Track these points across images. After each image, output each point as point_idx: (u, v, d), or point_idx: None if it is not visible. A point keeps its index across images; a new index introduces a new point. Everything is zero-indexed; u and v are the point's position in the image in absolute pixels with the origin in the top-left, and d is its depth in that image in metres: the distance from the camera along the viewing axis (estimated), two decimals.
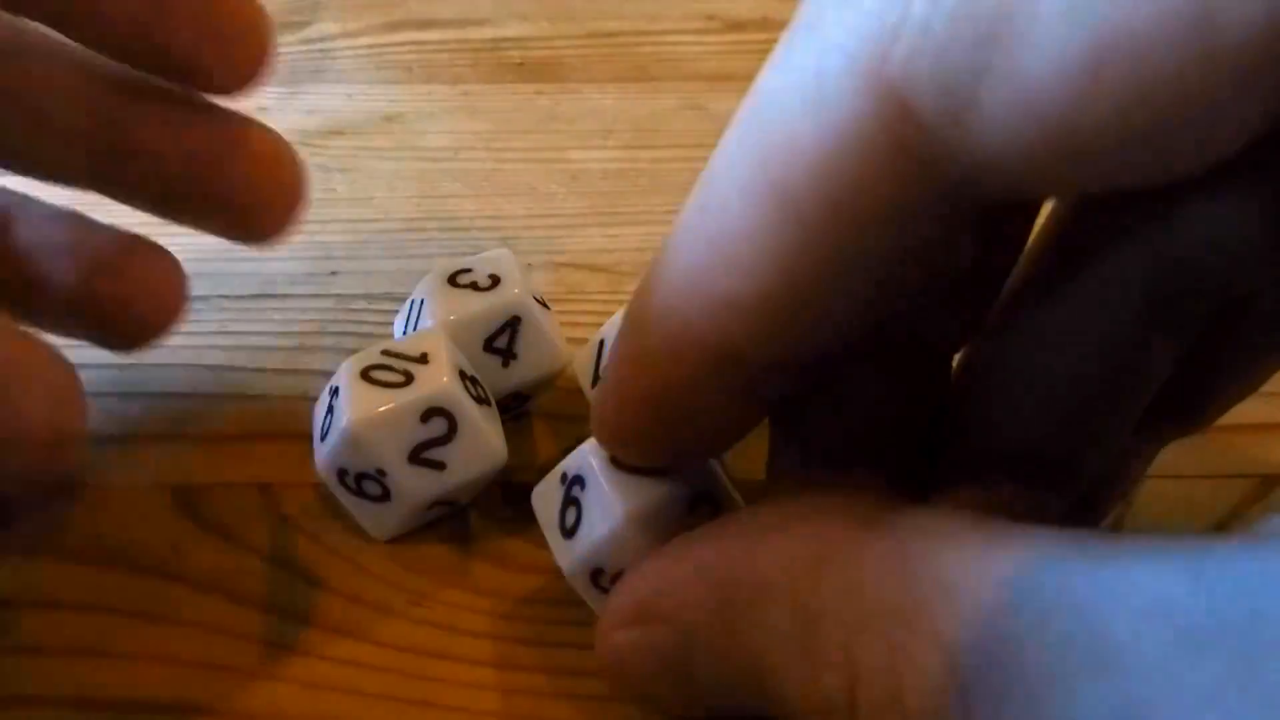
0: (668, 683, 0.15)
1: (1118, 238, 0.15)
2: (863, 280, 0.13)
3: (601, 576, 0.17)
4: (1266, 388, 0.23)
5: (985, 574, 0.12)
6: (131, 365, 0.24)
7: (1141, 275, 0.15)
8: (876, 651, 0.13)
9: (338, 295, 0.25)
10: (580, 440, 0.18)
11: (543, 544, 0.18)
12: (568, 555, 0.17)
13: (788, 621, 0.14)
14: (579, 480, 0.17)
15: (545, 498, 0.18)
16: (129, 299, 0.20)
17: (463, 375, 0.19)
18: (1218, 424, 0.22)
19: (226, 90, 0.19)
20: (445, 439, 0.18)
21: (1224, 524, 0.20)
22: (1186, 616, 0.10)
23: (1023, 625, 0.11)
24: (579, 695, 0.18)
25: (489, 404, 0.19)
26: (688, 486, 0.17)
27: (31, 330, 0.16)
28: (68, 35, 0.19)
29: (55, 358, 0.15)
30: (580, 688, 0.18)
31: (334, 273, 0.26)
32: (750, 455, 0.21)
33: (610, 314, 0.21)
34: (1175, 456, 0.21)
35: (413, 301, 0.21)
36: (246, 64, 0.19)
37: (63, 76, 0.19)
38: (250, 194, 0.19)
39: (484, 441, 0.18)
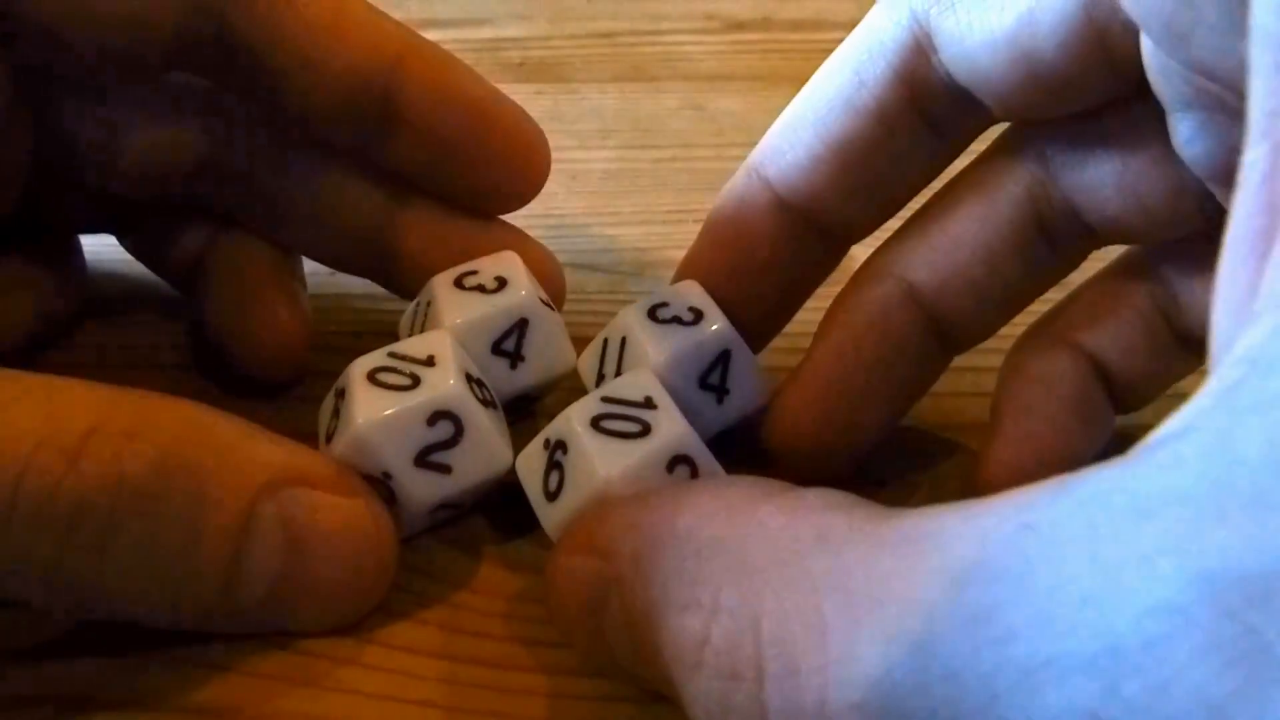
0: (586, 618, 0.16)
1: (1012, 177, 0.20)
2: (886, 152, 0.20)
3: None
4: None
5: (863, 524, 0.13)
6: (132, 368, 0.24)
7: (1028, 200, 0.20)
8: (742, 592, 0.13)
9: (338, 295, 0.25)
10: None
11: (543, 544, 0.18)
12: (551, 518, 0.18)
13: (674, 569, 0.14)
14: (561, 445, 0.18)
15: (529, 464, 0.18)
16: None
17: (469, 378, 0.19)
18: None
19: (502, 212, 0.23)
20: (451, 442, 0.18)
21: None
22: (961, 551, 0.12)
23: (892, 560, 0.13)
24: (579, 695, 0.18)
25: (495, 407, 0.19)
26: (665, 449, 0.17)
27: (369, 494, 0.18)
28: (371, 161, 0.22)
29: (383, 526, 0.18)
30: (580, 688, 0.18)
31: (334, 273, 0.26)
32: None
33: (611, 314, 0.21)
34: None
35: (419, 303, 0.21)
36: (526, 195, 0.22)
37: (352, 188, 0.23)
38: None
39: (490, 445, 0.18)
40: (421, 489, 0.18)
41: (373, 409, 0.18)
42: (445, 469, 0.18)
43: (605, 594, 0.16)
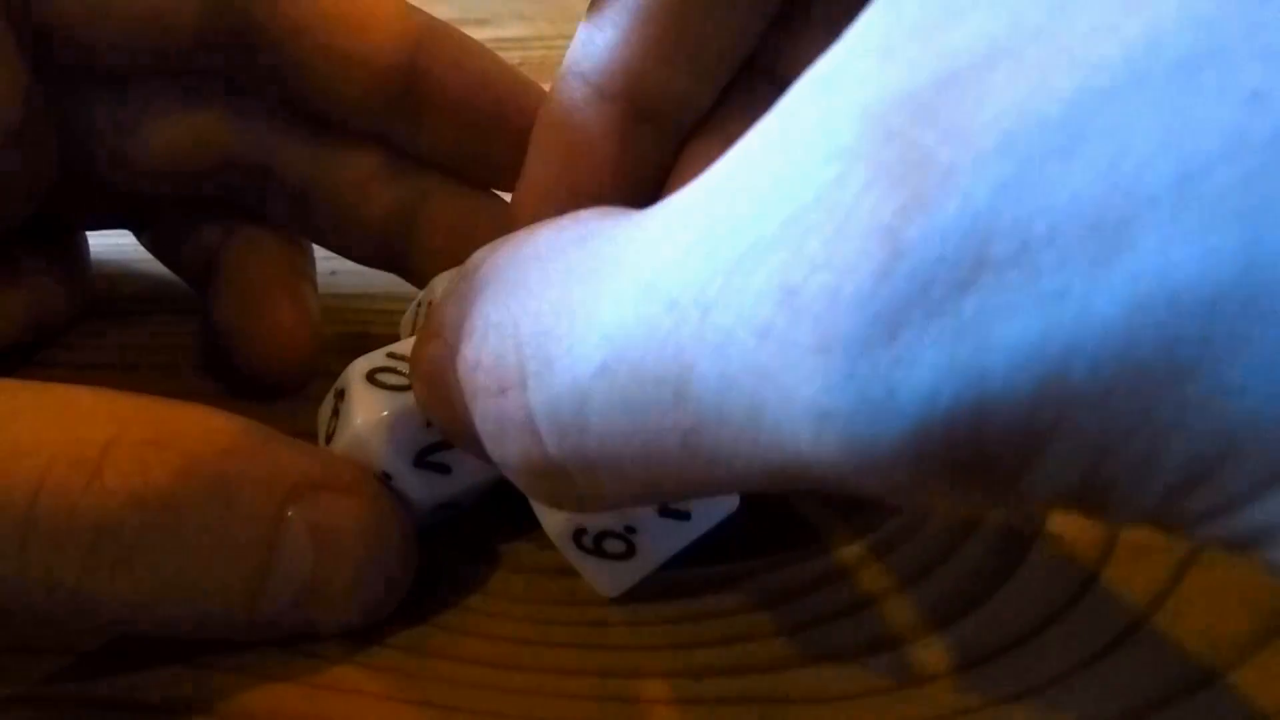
0: (442, 404, 0.15)
1: None
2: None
3: (584, 536, 0.18)
4: None
5: (621, 218, 0.13)
6: (134, 367, 0.24)
7: None
8: (506, 304, 0.13)
9: (338, 295, 0.25)
10: None
11: (543, 544, 0.18)
12: (551, 517, 0.18)
13: (464, 312, 0.14)
14: None
15: None
16: None
17: None
18: None
19: (508, 187, 0.22)
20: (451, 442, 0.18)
21: None
22: None
23: (633, 230, 0.13)
24: (579, 695, 0.18)
25: None
26: None
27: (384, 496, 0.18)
28: (394, 150, 0.22)
29: (404, 525, 0.18)
30: (580, 688, 0.18)
31: (334, 273, 0.26)
32: None
33: None
34: None
35: (419, 303, 0.21)
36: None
37: (376, 180, 0.23)
38: None
39: None
40: (421, 489, 0.18)
41: (372, 410, 0.18)
42: (445, 469, 0.18)
43: (445, 371, 0.15)
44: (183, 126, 0.22)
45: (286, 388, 0.23)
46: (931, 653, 0.18)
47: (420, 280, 0.23)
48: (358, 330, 0.25)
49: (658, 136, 0.20)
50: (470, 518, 0.20)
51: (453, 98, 0.21)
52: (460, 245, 0.22)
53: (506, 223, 0.21)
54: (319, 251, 0.25)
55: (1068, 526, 0.20)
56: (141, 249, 0.26)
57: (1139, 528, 0.10)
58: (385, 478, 0.18)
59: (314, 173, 0.23)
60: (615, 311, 0.12)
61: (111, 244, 0.26)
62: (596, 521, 0.17)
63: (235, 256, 0.23)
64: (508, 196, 0.23)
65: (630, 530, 0.17)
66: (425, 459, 0.18)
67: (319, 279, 0.25)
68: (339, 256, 0.25)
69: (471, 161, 0.22)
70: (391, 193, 0.23)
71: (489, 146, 0.22)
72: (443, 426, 0.16)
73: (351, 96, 0.21)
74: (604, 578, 0.18)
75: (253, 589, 0.16)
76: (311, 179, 0.23)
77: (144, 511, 0.15)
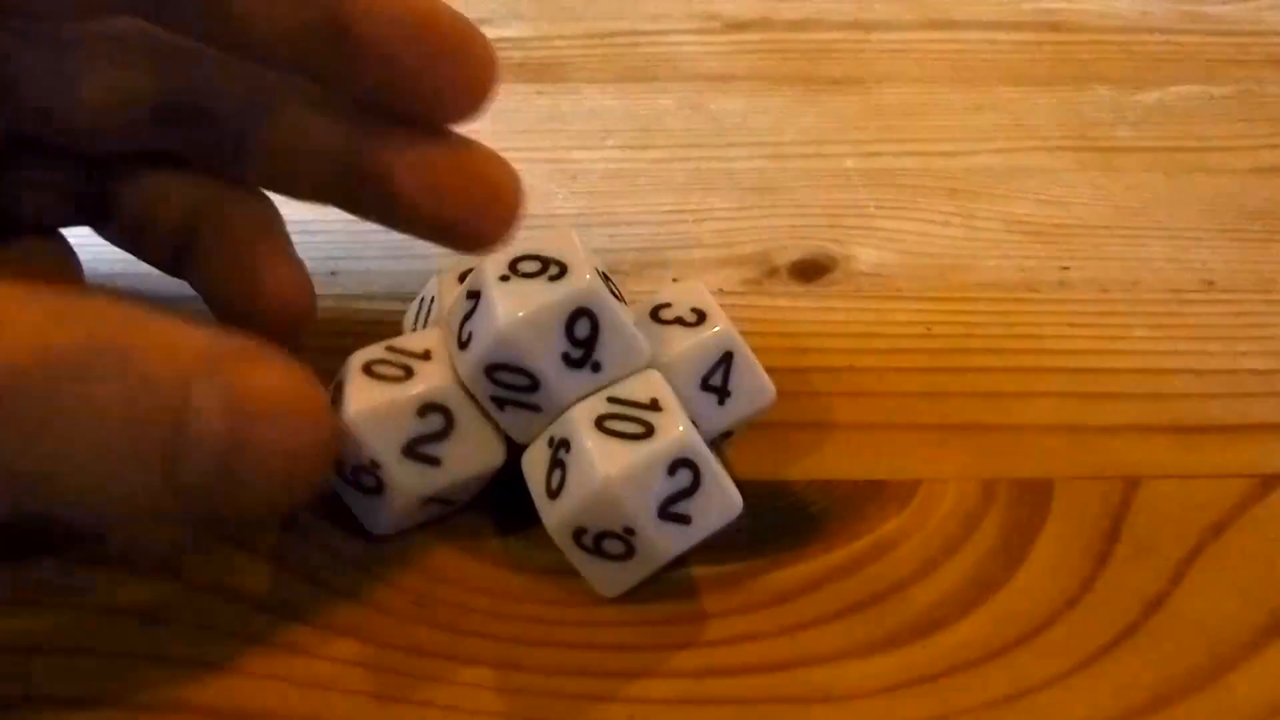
0: None
1: None
2: None
3: (584, 536, 0.18)
4: (1266, 387, 0.23)
5: None
6: None
7: None
8: None
9: (338, 295, 0.25)
10: None
11: (543, 544, 0.18)
12: (552, 515, 0.18)
13: None
14: (564, 444, 0.18)
15: (534, 461, 0.18)
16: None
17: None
18: (1218, 424, 0.22)
19: (457, 119, 0.22)
20: (442, 435, 0.18)
21: (1224, 524, 0.20)
22: None
23: None
24: (579, 695, 0.18)
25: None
26: (667, 452, 0.17)
27: (293, 364, 0.17)
28: (322, 83, 0.22)
29: (319, 392, 0.17)
30: (580, 688, 0.18)
31: (334, 273, 0.26)
32: (751, 456, 0.21)
33: None
34: (1175, 456, 0.21)
35: (422, 299, 0.21)
36: (479, 96, 0.21)
37: (315, 118, 0.22)
38: (472, 210, 0.22)
39: (482, 440, 0.18)
40: (409, 480, 0.18)
41: (363, 399, 0.18)
42: (434, 461, 0.18)
43: None
44: (112, 79, 0.22)
45: (292, 347, 0.22)
46: (931, 653, 0.18)
47: (377, 216, 0.23)
48: (358, 330, 0.25)
49: None
50: (469, 517, 0.20)
51: (372, 28, 0.20)
52: (423, 187, 0.22)
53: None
54: (319, 252, 0.25)
55: (1067, 527, 0.20)
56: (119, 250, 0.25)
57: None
58: (374, 466, 0.18)
59: (252, 116, 0.22)
60: None
61: (108, 245, 0.26)
62: (596, 522, 0.17)
63: (210, 224, 0.23)
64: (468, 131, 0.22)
65: (630, 532, 0.17)
66: (414, 450, 0.18)
67: (318, 279, 0.25)
68: (339, 256, 0.24)
69: (397, 94, 0.21)
70: (332, 130, 0.22)
71: (413, 78, 0.21)
72: None
73: (274, 32, 0.21)
74: (604, 578, 0.18)
75: (167, 454, 0.16)
76: (250, 122, 0.22)
77: (48, 371, 0.15)
